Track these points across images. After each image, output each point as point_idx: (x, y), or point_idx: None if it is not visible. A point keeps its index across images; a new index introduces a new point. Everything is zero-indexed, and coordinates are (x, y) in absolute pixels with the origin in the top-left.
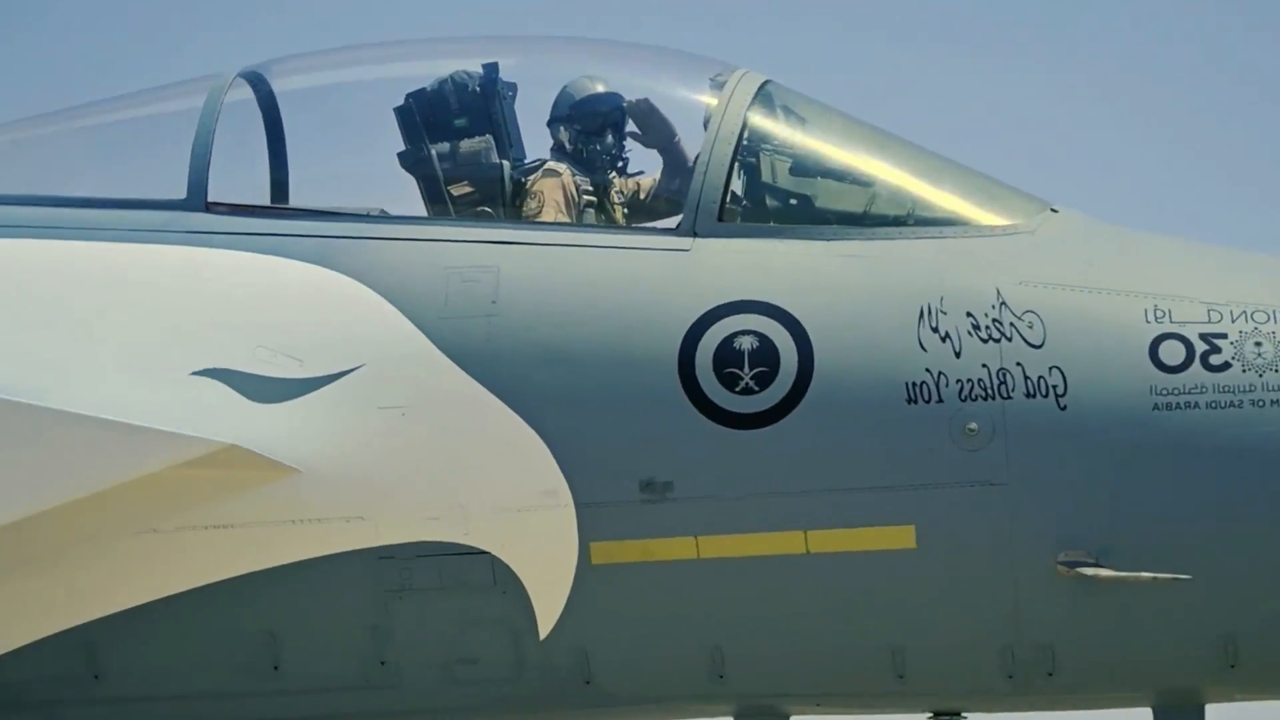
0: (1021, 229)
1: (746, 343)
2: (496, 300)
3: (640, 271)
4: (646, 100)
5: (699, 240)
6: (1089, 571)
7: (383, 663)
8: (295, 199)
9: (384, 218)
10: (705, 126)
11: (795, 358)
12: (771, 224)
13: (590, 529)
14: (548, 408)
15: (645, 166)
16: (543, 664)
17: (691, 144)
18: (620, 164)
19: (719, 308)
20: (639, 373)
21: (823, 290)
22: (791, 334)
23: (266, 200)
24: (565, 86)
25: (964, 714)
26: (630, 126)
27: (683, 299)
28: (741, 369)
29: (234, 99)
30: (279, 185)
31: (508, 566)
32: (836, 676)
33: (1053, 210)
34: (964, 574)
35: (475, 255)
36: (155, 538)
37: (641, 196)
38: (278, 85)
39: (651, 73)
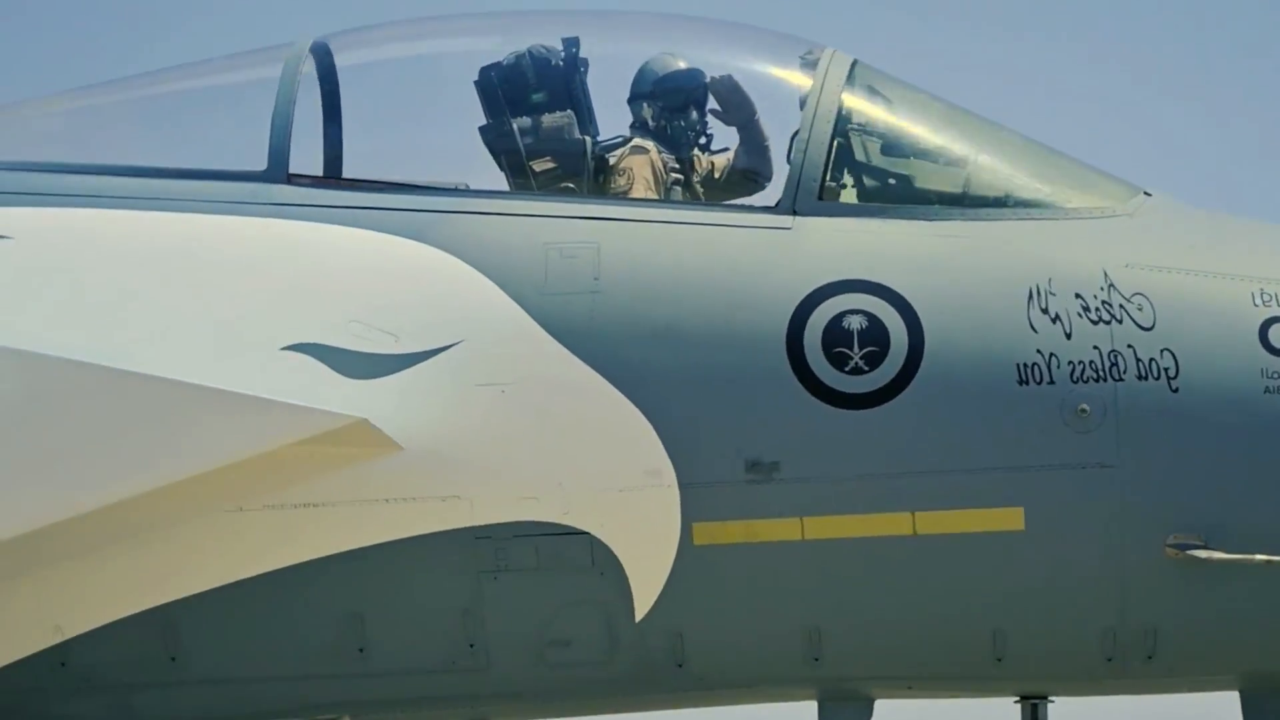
0: (1120, 212)
1: (855, 322)
2: (599, 277)
3: (742, 250)
4: (730, 77)
5: (800, 219)
6: (1201, 554)
7: (472, 645)
8: (369, 172)
9: (481, 192)
10: (801, 105)
11: (905, 338)
12: (872, 204)
13: (693, 509)
14: (653, 386)
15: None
16: (636, 646)
17: (773, 122)
18: (704, 141)
19: (826, 286)
20: (746, 352)
21: (930, 271)
22: (901, 314)
23: (342, 173)
24: (647, 62)
25: (1051, 697)
26: (711, 103)
27: (788, 278)
28: (851, 348)
29: (310, 70)
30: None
31: (607, 547)
32: (934, 659)
33: (1146, 194)
34: (1071, 556)
35: (574, 231)
36: (241, 516)
37: (715, 175)
38: (352, 57)
39: (736, 50)
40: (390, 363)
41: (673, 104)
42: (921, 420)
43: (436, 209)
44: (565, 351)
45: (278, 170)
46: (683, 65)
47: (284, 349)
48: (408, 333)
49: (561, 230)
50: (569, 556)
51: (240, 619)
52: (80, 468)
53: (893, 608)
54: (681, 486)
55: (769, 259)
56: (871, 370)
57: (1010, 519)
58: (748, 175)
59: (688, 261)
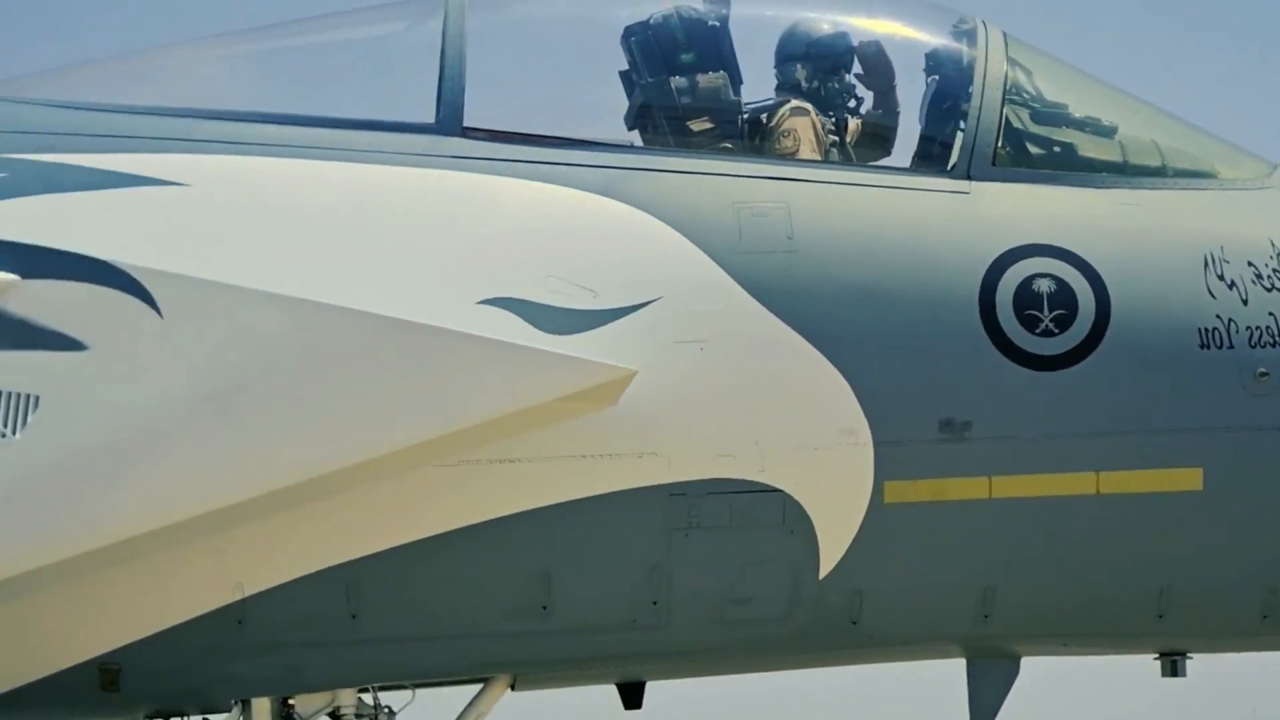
0: (1268, 184)
1: (1044, 285)
2: (793, 236)
3: (926, 212)
4: (876, 42)
5: (975, 183)
6: None
7: (654, 602)
8: (529, 126)
9: (665, 149)
10: (929, 71)
11: (1092, 301)
12: (1041, 170)
13: (886, 468)
14: (850, 345)
15: None
16: (815, 604)
17: (913, 88)
18: (856, 103)
19: (1014, 250)
20: (941, 312)
21: (1111, 236)
22: (1087, 278)
23: (511, 126)
24: (795, 24)
25: (1189, 654)
26: (855, 67)
27: (976, 241)
28: (1041, 311)
29: (475, 23)
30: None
31: (799, 505)
32: (1097, 617)
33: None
34: (1244, 516)
35: (762, 191)
36: (435, 472)
37: (848, 138)
38: (510, 11)
39: (886, 15)
40: (590, 318)
41: (825, 66)
42: (1108, 382)
43: (620, 165)
44: (763, 309)
45: (451, 123)
46: (828, 29)
47: (480, 303)
48: (606, 288)
49: (750, 189)
50: (761, 514)
51: (424, 577)
52: (360, 417)
53: (1066, 566)
54: (876, 445)
55: (954, 222)
56: (1061, 333)
57: (1189, 479)
58: (878, 138)
59: (876, 222)
